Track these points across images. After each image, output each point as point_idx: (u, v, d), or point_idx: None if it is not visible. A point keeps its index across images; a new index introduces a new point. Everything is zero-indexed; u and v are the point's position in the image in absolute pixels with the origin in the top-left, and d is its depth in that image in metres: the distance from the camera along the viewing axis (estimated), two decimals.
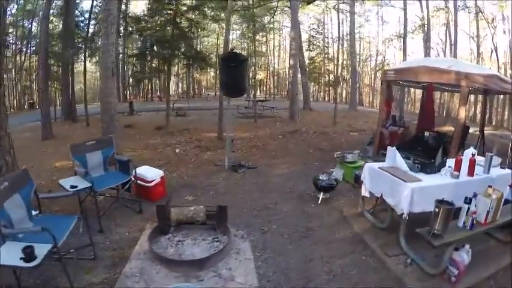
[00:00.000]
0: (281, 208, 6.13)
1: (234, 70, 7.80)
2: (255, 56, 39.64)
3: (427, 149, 5.80)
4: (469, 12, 31.95)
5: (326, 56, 33.46)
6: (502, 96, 16.49)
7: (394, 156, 5.01)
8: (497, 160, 5.52)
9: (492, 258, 4.53)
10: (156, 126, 15.00)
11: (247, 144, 11.58)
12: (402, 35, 30.27)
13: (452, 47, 30.23)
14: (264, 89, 48.89)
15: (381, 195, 4.90)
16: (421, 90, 11.49)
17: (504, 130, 23.74)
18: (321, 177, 6.59)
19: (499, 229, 4.74)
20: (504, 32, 31.40)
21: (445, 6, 30.00)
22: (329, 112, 19.16)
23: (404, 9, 29.44)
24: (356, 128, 16.24)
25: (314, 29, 36.55)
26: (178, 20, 15.50)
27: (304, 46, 35.54)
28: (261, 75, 45.05)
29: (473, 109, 30.97)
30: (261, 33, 41.56)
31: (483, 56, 34.56)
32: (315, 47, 34.26)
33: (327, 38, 39.74)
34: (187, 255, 4.33)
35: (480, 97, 13.78)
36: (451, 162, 4.87)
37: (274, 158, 9.96)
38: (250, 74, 44.47)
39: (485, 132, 10.29)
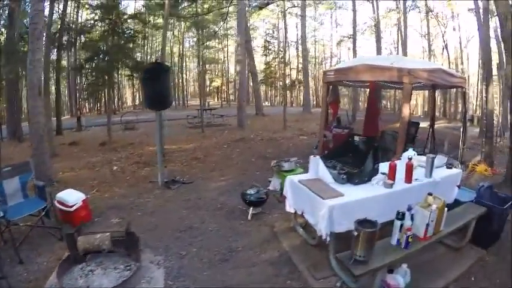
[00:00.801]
0: (207, 227, 5.64)
1: (156, 82, 7.15)
2: (204, 64, 38.60)
3: (358, 155, 4.99)
4: (419, 12, 32.80)
5: (282, 60, 33.07)
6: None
7: (317, 166, 4.42)
8: (442, 160, 5.06)
9: (441, 271, 4.03)
10: (101, 142, 13.99)
11: (189, 156, 11.01)
12: (351, 36, 30.51)
13: (402, 46, 30.73)
14: (222, 96, 48.13)
15: (302, 213, 4.31)
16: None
17: (458, 122, 24.02)
18: (249, 192, 6.08)
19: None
20: (454, 29, 32.40)
21: (396, 7, 30.17)
22: (282, 116, 18.61)
23: (354, 10, 29.68)
24: (307, 131, 15.98)
25: (269, 34, 36.37)
26: (118, 29, 14.65)
27: (260, 51, 35.42)
28: (217, 82, 44.38)
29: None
30: (217, 40, 40.96)
31: (435, 53, 35.38)
32: (270, 51, 33.88)
33: (282, 42, 39.57)
34: (95, 287, 3.88)
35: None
36: (386, 168, 4.23)
37: (214, 170, 9.46)
38: (208, 81, 44.05)
39: (438, 125, 9.86)
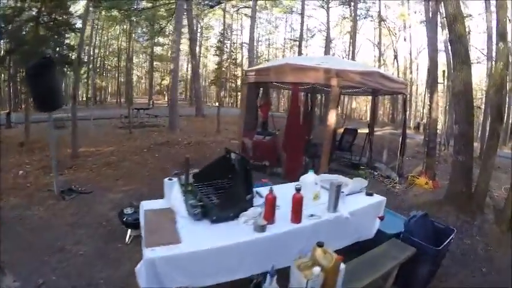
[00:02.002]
0: (78, 250, 4.68)
1: (42, 79, 5.86)
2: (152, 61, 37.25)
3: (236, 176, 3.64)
4: (371, 21, 32.58)
5: (233, 61, 31.97)
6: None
7: (170, 192, 3.24)
8: (358, 185, 3.97)
9: None
10: (20, 142, 12.22)
11: (102, 161, 9.50)
12: (298, 39, 29.67)
13: (352, 53, 29.88)
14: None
15: None
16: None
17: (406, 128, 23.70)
18: (126, 211, 4.96)
19: None
20: (405, 40, 32.31)
21: (350, 15, 29.59)
22: (223, 118, 17.32)
23: (302, 14, 28.56)
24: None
25: (222, 34, 35.22)
26: (42, 20, 12.79)
27: (212, 51, 34.16)
28: (167, 80, 42.49)
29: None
30: (170, 38, 39.26)
31: (386, 63, 35.31)
32: (223, 52, 32.81)
33: (235, 43, 38.51)
34: None
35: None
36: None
37: (120, 178, 8.08)
38: (159, 79, 42.26)
39: (383, 132, 8.91)
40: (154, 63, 39.01)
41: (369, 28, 34.59)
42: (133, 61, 41.66)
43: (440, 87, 10.79)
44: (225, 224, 2.81)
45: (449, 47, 6.96)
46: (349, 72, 6.25)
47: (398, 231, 3.87)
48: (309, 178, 3.49)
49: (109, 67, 39.36)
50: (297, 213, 2.91)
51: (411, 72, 32.54)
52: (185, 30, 24.39)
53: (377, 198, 3.83)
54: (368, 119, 31.69)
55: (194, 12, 31.72)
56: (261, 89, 9.04)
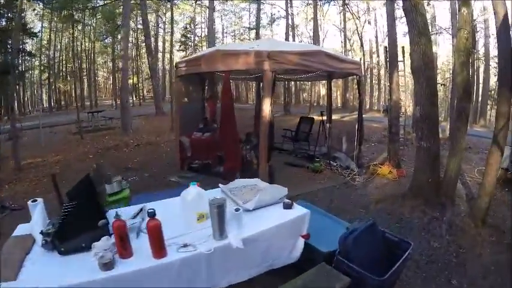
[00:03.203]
0: None
1: None
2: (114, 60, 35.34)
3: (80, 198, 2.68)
4: (334, 5, 31.70)
5: None
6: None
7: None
8: (275, 194, 3.04)
9: None
10: None
11: (45, 172, 8.53)
12: (255, 28, 28.63)
13: (314, 39, 28.66)
14: (139, 94, 44.33)
15: None
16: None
17: (374, 113, 23.13)
18: None
19: None
20: (369, 23, 31.28)
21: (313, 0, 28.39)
22: None
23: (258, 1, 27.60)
24: None
25: (186, 28, 33.91)
26: None
27: (176, 46, 32.80)
28: (133, 79, 40.73)
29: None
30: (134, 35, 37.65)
31: (354, 47, 34.30)
32: (186, 46, 31.60)
33: (200, 36, 37.08)
34: None
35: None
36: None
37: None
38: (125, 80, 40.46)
39: (349, 117, 8.05)
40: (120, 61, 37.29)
41: (334, 13, 33.05)
42: (98, 62, 40.05)
43: (405, 67, 9.77)
44: (76, 256, 2.15)
45: (405, 18, 5.96)
46: (284, 53, 5.37)
47: (333, 250, 2.91)
48: (191, 193, 2.56)
49: (73, 70, 37.51)
50: (155, 246, 2.14)
51: (378, 56, 31.76)
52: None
53: (298, 211, 2.91)
54: (340, 104, 32.04)
55: (154, 7, 30.49)
56: (207, 80, 8.25)
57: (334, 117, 9.70)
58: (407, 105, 11.06)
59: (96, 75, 42.02)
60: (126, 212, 2.67)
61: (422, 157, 5.66)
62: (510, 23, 4.92)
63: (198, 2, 29.73)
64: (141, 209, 2.81)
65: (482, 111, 23.56)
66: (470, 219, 5.05)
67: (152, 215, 2.10)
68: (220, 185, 3.35)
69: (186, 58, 8.24)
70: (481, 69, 25.44)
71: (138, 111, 21.16)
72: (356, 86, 8.52)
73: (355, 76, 7.80)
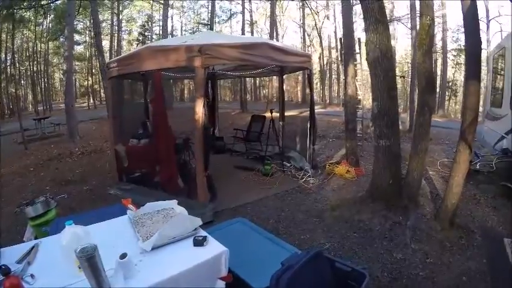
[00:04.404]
0: None
1: None
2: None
3: None
4: (293, 0, 30.86)
5: None
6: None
7: None
8: (185, 226, 2.33)
9: None
10: None
11: None
12: (208, 23, 27.64)
13: (269, 35, 28.13)
14: (96, 97, 42.44)
15: None
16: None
17: (334, 107, 23.03)
18: None
19: None
20: (328, 18, 30.74)
21: None
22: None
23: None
24: None
25: (144, 26, 32.78)
26: None
27: (134, 44, 32.28)
28: (89, 81, 39.01)
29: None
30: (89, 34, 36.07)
31: (314, 43, 34.05)
32: (144, 44, 30.40)
33: (158, 34, 35.94)
34: None
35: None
36: None
37: None
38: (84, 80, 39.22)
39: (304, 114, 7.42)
40: (75, 63, 35.57)
41: (293, 9, 32.64)
42: (53, 63, 38.16)
43: (361, 59, 9.24)
44: None
45: (360, 5, 5.45)
46: (219, 47, 4.72)
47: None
48: (65, 236, 1.90)
49: (27, 73, 35.59)
50: None
51: (337, 51, 31.70)
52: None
53: (213, 249, 2.20)
54: (300, 99, 31.89)
55: (109, 4, 29.23)
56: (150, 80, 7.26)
57: (292, 113, 9.12)
58: (367, 98, 10.60)
59: (52, 78, 39.97)
60: (13, 253, 2.04)
61: (381, 157, 5.15)
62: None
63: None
64: (32, 248, 2.12)
65: (441, 102, 24.45)
66: (436, 222, 4.61)
67: (5, 272, 1.61)
68: (128, 211, 2.60)
69: (117, 57, 7.39)
70: (439, 62, 26.02)
71: (91, 115, 20.22)
72: (322, 81, 7.93)
73: (305, 70, 7.12)
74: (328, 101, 29.75)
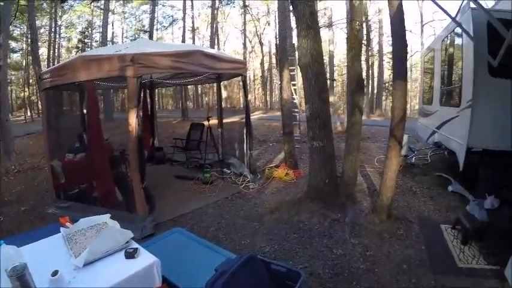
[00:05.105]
0: None
1: None
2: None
3: None
4: (234, 6, 31.26)
5: None
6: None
7: None
8: (122, 237, 2.34)
9: None
10: None
11: None
12: (148, 30, 26.90)
13: (210, 41, 27.74)
14: (34, 109, 40.07)
15: None
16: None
17: (275, 111, 23.23)
18: None
19: None
20: (268, 24, 31.22)
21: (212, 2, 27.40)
22: None
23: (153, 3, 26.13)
24: None
25: (84, 32, 31.56)
26: None
27: (73, 52, 30.70)
28: (25, 92, 36.81)
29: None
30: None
31: (255, 49, 34.26)
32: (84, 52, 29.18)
33: (98, 41, 34.66)
34: None
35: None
36: None
37: None
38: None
39: (253, 117, 7.39)
40: (11, 72, 33.43)
41: (235, 15, 32.54)
42: None
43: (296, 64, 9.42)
44: None
45: (292, 11, 5.72)
46: (152, 55, 4.60)
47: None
48: None
49: None
50: None
51: (277, 56, 32.13)
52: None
53: (144, 260, 2.20)
54: (242, 105, 31.66)
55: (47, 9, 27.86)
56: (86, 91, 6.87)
57: (233, 119, 9.06)
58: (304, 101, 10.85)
59: None
60: None
61: (316, 158, 5.24)
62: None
63: (94, 4, 27.22)
64: None
65: (378, 102, 25.43)
66: (374, 216, 4.79)
67: None
68: (62, 228, 2.52)
69: (50, 68, 6.99)
70: (376, 65, 27.28)
71: (28, 129, 18.89)
72: (263, 86, 7.89)
73: (241, 76, 7.02)
74: (269, 105, 29.88)
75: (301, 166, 7.36)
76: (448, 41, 7.07)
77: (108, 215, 2.65)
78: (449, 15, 5.58)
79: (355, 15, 5.56)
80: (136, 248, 2.19)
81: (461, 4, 5.65)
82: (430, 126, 7.82)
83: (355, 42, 5.52)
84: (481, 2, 5.61)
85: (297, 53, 6.56)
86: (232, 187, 6.42)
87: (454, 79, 6.53)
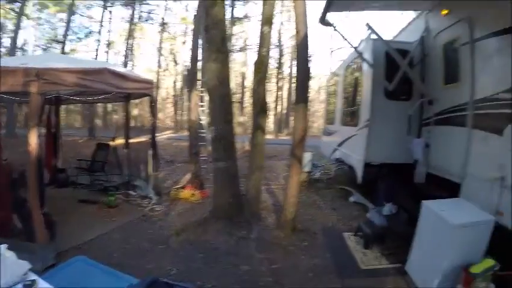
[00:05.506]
0: None
1: None
2: None
3: None
4: (152, 24, 29.29)
5: None
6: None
7: None
8: (18, 268, 2.08)
9: None
10: None
11: None
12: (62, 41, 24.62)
13: (125, 58, 27.34)
14: None
15: None
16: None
17: (185, 131, 23.00)
18: None
19: None
20: (184, 43, 30.26)
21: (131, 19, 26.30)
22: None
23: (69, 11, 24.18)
24: None
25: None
26: None
27: None
28: None
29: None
30: None
31: (169, 67, 33.46)
32: None
33: (7, 48, 31.68)
34: None
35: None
36: None
37: None
38: None
39: (161, 137, 7.14)
40: None
41: (153, 32, 31.33)
42: None
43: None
44: None
45: (205, 35, 5.95)
46: (59, 71, 4.34)
47: None
48: None
49: None
50: None
51: (187, 77, 31.85)
52: None
53: None
54: (172, 122, 30.92)
55: None
56: None
57: (142, 139, 8.75)
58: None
59: None
60: None
61: (220, 178, 5.36)
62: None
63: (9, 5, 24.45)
64: None
65: (286, 122, 26.19)
66: (279, 231, 4.96)
67: None
68: None
69: None
70: (285, 87, 28.61)
71: None
72: (175, 106, 7.65)
73: (148, 97, 6.84)
74: (180, 125, 29.30)
75: (207, 186, 7.25)
76: (351, 67, 7.71)
77: (5, 246, 2.48)
78: (351, 45, 6.31)
79: (263, 42, 5.83)
80: (34, 280, 2.08)
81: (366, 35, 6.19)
82: (332, 144, 8.39)
83: (262, 67, 5.78)
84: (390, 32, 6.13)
85: (204, 75, 6.60)
86: (137, 210, 6.15)
87: (354, 101, 7.11)
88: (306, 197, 7.06)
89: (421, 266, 3.66)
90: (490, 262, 3.14)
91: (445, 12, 5.01)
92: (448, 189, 4.47)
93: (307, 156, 8.00)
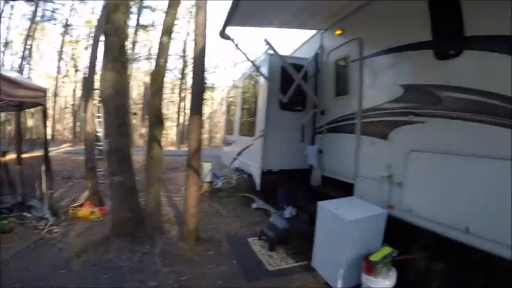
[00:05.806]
0: None
1: None
2: None
3: None
4: (55, 24, 27.62)
5: None
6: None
7: None
8: None
9: None
10: None
11: None
12: None
13: (25, 61, 25.23)
14: None
15: None
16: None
17: (81, 144, 21.89)
18: None
19: None
20: (86, 48, 27.62)
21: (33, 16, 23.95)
22: None
23: None
24: None
25: None
26: None
27: None
28: None
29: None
30: None
31: (69, 73, 31.07)
32: None
33: None
34: None
35: None
36: None
37: None
38: None
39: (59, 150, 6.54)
40: None
41: (55, 34, 28.69)
42: None
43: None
44: None
45: (104, 41, 5.22)
46: None
47: None
48: None
49: None
50: None
51: (84, 86, 29.97)
52: None
53: None
54: (50, 136, 28.76)
55: None
56: None
57: (37, 153, 7.98)
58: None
59: None
60: None
61: (117, 193, 5.11)
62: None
63: None
64: None
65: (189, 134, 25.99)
66: (183, 242, 4.95)
67: None
68: None
69: None
70: (188, 98, 27.98)
71: None
72: (73, 116, 7.04)
73: (40, 106, 6.28)
74: (79, 137, 27.31)
75: (107, 202, 6.76)
76: (249, 80, 8.06)
77: None
78: (249, 59, 6.85)
79: (162, 53, 5.77)
80: None
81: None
82: (232, 153, 8.71)
83: (158, 78, 5.71)
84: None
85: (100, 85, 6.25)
86: (34, 233, 5.53)
87: (251, 112, 7.41)
88: (208, 207, 7.16)
89: (325, 261, 4.00)
90: (387, 250, 3.53)
91: (338, 32, 5.50)
92: (343, 189, 4.92)
93: (207, 167, 8.24)
